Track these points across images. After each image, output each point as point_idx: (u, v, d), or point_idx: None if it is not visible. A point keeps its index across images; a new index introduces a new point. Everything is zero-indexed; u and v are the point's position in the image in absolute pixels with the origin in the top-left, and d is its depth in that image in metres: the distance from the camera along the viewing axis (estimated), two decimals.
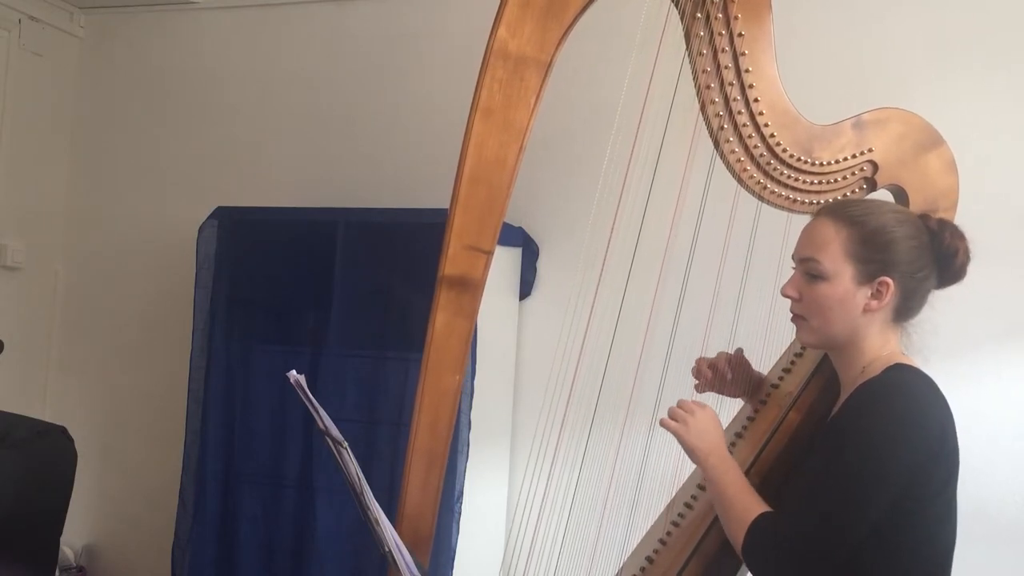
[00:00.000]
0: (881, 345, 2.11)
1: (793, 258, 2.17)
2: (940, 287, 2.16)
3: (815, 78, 3.47)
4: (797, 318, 2.17)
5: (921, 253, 2.09)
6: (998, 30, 3.62)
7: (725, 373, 2.44)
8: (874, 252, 2.06)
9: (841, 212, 2.12)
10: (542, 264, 4.17)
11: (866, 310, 2.07)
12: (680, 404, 2.22)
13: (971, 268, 3.29)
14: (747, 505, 2.07)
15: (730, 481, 2.12)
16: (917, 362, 2.13)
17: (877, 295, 2.06)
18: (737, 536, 2.05)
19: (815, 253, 2.09)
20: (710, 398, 2.51)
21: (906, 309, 2.12)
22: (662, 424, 2.21)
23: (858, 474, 1.95)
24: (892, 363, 2.07)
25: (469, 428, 3.66)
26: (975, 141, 3.43)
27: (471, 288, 2.20)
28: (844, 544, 1.96)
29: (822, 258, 2.08)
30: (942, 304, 3.19)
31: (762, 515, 2.03)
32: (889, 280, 2.06)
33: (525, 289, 4.16)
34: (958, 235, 2.13)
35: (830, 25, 3.79)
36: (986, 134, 3.52)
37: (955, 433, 2.04)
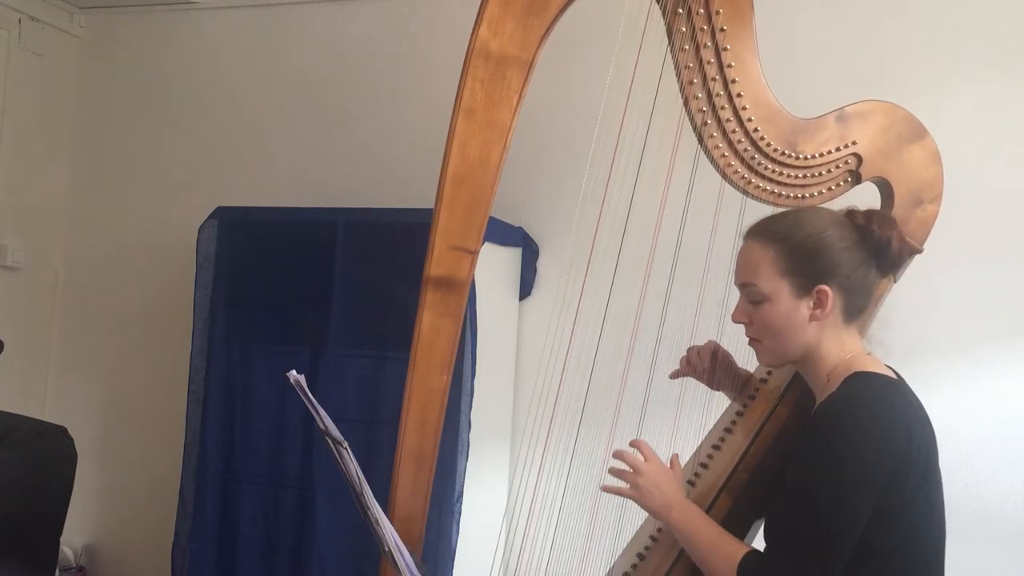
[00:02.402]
0: (840, 349, 2.11)
1: (736, 284, 2.18)
2: (886, 275, 2.17)
3: (817, 79, 3.46)
4: (753, 341, 2.18)
5: (852, 253, 2.09)
6: (1000, 29, 3.62)
7: (704, 363, 2.45)
8: (804, 264, 2.07)
9: (765, 231, 2.13)
10: (542, 264, 4.16)
11: (812, 320, 2.08)
12: (618, 455, 2.20)
13: (969, 267, 3.30)
14: (726, 549, 2.07)
15: (700, 529, 2.12)
16: (879, 354, 2.14)
17: (819, 304, 2.07)
18: None
19: (750, 277, 2.12)
20: (699, 401, 2.51)
21: (855, 308, 2.12)
22: (607, 490, 2.21)
23: (832, 495, 1.94)
24: (851, 371, 2.06)
25: (469, 428, 3.65)
26: (976, 141, 3.43)
27: (457, 288, 2.20)
28: (835, 562, 1.95)
29: (757, 281, 2.10)
30: (942, 304, 3.19)
31: (746, 555, 2.03)
32: (826, 287, 2.06)
33: (525, 289, 4.15)
34: (887, 224, 2.13)
35: (832, 26, 3.78)
36: (986, 134, 3.52)
37: (924, 431, 2.04)
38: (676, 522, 2.13)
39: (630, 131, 2.22)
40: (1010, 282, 3.49)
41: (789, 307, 2.08)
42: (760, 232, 2.14)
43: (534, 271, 4.16)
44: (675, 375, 2.51)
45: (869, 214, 2.14)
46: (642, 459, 2.18)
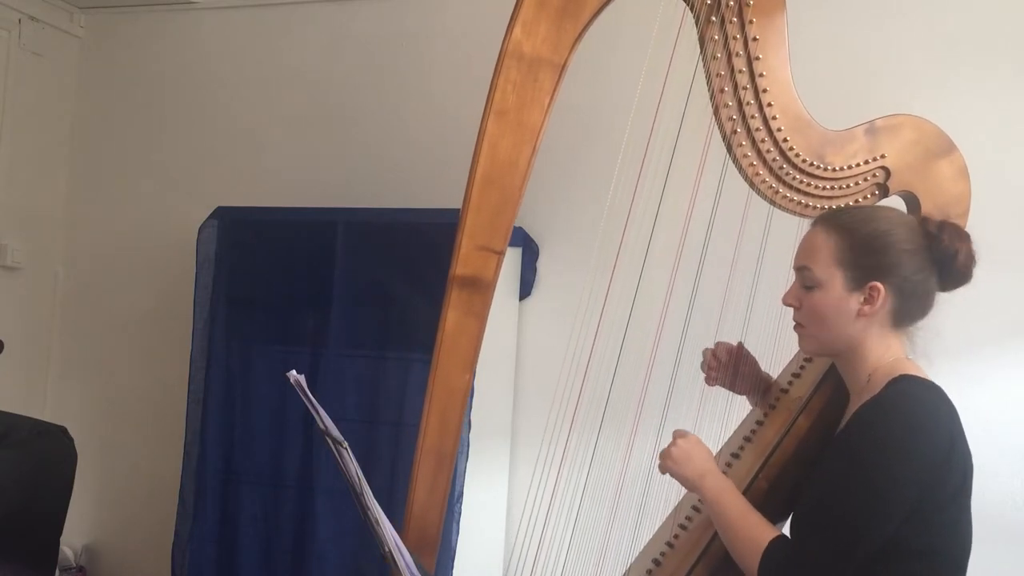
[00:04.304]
0: (883, 352, 2.11)
1: (794, 267, 2.18)
2: (945, 289, 2.15)
3: (817, 81, 3.47)
4: (798, 326, 2.18)
5: (914, 257, 2.09)
6: (1001, 31, 3.63)
7: (726, 362, 2.45)
8: (863, 258, 2.07)
9: (833, 220, 2.14)
10: (542, 264, 4.16)
11: (859, 315, 2.09)
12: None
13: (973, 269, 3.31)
14: (755, 529, 2.08)
15: (731, 504, 2.13)
16: (922, 365, 2.13)
17: (869, 300, 2.07)
18: (749, 562, 2.05)
19: (807, 261, 2.12)
20: (717, 408, 2.53)
21: (905, 313, 2.12)
22: (659, 468, 2.24)
23: (867, 494, 1.95)
24: (895, 374, 2.07)
25: (469, 428, 3.65)
26: (975, 141, 3.44)
27: (482, 288, 2.21)
28: (859, 562, 1.96)
29: (813, 266, 2.10)
30: (943, 305, 3.21)
31: (774, 541, 2.03)
32: (879, 285, 2.06)
33: (525, 289, 4.15)
34: (958, 237, 2.12)
35: (832, 28, 3.79)
36: (986, 134, 3.53)
37: (964, 439, 2.04)
38: (708, 490, 2.15)
39: (659, 137, 2.23)
40: (1011, 283, 3.51)
41: (839, 297, 2.08)
42: (828, 219, 2.14)
43: (534, 271, 4.16)
44: (710, 381, 2.51)
45: (942, 224, 2.14)
46: (681, 434, 2.22)
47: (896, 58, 3.72)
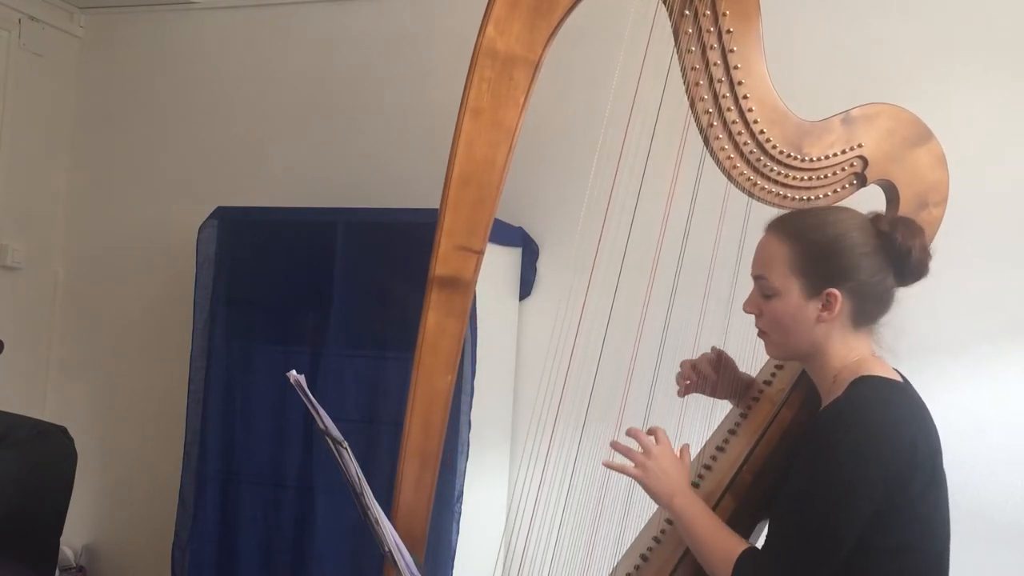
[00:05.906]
0: (847, 352, 2.10)
1: (751, 275, 2.17)
2: (903, 285, 2.14)
3: (813, 79, 3.46)
4: (762, 333, 2.18)
5: (870, 259, 2.08)
6: (998, 29, 3.61)
7: (708, 375, 2.45)
8: (818, 265, 2.07)
9: (785, 227, 2.12)
10: (542, 264, 4.16)
11: (819, 321, 2.08)
12: (633, 433, 2.20)
13: (968, 268, 3.30)
14: (725, 544, 2.07)
15: (701, 521, 2.12)
16: (888, 360, 2.13)
17: (827, 307, 2.07)
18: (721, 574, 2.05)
19: (763, 271, 2.11)
20: (703, 402, 2.51)
21: (864, 314, 2.11)
22: (610, 466, 2.20)
23: (831, 500, 1.94)
24: (857, 375, 2.05)
25: (469, 428, 3.65)
26: (973, 140, 3.43)
27: (462, 288, 2.18)
28: (829, 565, 1.96)
29: (770, 275, 2.10)
30: (941, 304, 3.19)
31: (744, 553, 2.03)
32: (836, 291, 2.06)
33: (525, 289, 4.15)
34: (911, 233, 2.11)
35: (828, 25, 3.78)
36: (983, 134, 3.51)
37: (928, 435, 2.03)
38: (678, 509, 2.13)
39: (636, 132, 2.22)
40: (1010, 282, 3.49)
41: (797, 306, 2.08)
42: (780, 226, 2.13)
43: (534, 271, 4.16)
44: (682, 394, 2.50)
45: (894, 221, 2.13)
46: (654, 442, 2.18)
47: (893, 56, 3.71)
